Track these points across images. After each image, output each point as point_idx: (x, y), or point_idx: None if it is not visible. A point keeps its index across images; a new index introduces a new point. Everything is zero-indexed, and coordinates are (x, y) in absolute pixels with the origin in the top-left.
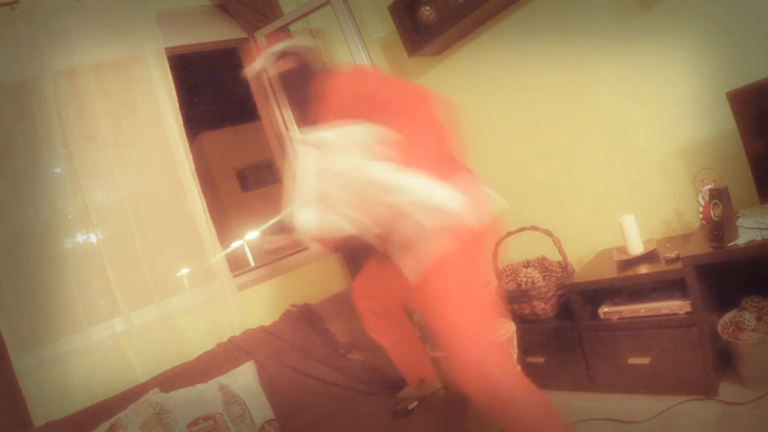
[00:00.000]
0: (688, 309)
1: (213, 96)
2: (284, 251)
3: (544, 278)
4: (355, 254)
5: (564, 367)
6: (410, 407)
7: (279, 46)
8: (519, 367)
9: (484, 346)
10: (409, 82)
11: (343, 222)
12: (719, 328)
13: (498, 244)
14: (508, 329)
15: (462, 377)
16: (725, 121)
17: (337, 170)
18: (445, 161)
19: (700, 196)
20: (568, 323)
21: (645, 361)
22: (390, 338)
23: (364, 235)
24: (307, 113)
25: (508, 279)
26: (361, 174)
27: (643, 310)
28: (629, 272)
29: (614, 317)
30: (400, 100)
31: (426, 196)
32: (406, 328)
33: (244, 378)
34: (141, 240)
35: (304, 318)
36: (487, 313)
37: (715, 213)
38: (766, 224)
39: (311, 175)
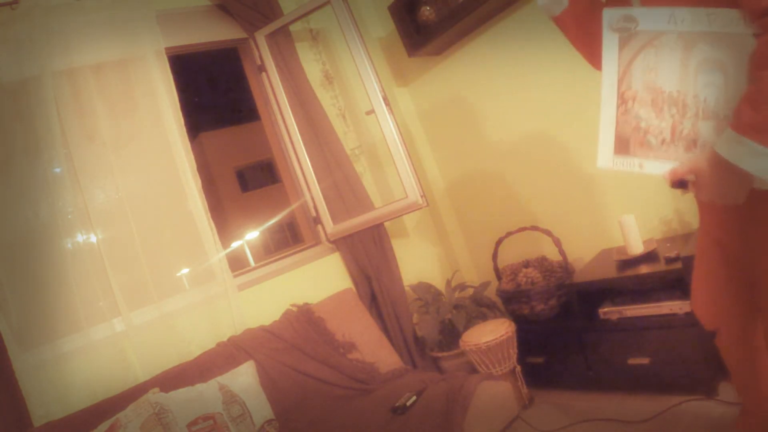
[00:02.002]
0: (688, 309)
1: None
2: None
3: (544, 278)
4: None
5: (564, 367)
6: (408, 403)
7: None
8: None
9: None
10: None
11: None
12: None
13: (498, 244)
14: (507, 329)
15: None
16: None
17: (657, 79)
18: None
19: None
20: (568, 323)
21: (645, 361)
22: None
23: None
24: None
25: (508, 279)
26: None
27: (643, 310)
28: (629, 272)
29: (614, 317)
30: None
31: None
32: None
33: (243, 378)
34: (141, 240)
35: (304, 318)
36: None
37: None
38: None
39: (615, 82)
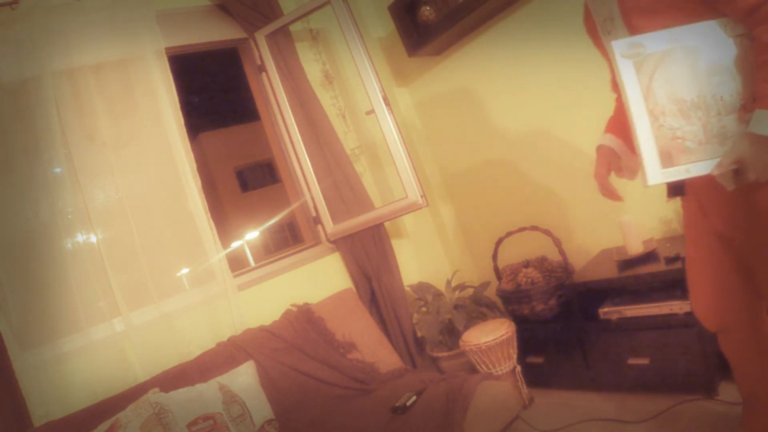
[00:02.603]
0: (688, 309)
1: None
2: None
3: (544, 278)
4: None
5: (564, 367)
6: (408, 403)
7: None
8: None
9: None
10: None
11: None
12: None
13: (498, 244)
14: (507, 329)
15: None
16: None
17: (677, 90)
18: None
19: None
20: (568, 323)
21: (645, 361)
22: (741, 353)
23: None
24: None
25: (508, 279)
26: (711, 90)
27: (643, 310)
28: (629, 272)
29: (614, 317)
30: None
31: None
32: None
33: (243, 378)
34: (141, 240)
35: (304, 318)
36: None
37: None
38: None
39: (641, 103)
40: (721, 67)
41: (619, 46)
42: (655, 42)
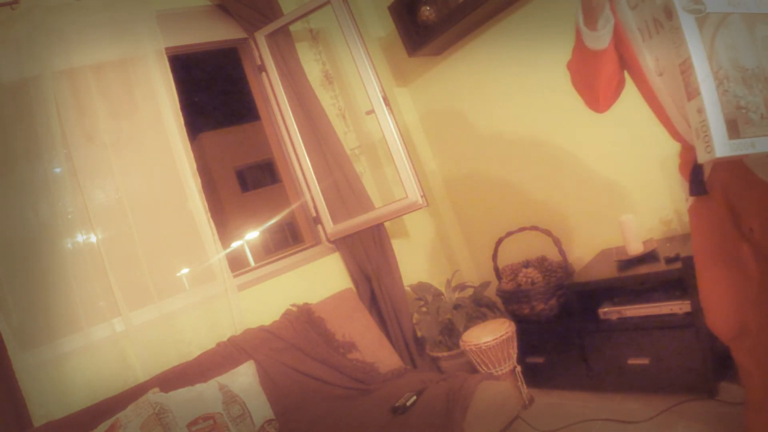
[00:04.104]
0: (688, 309)
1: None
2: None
3: (544, 278)
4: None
5: (564, 367)
6: (408, 403)
7: None
8: None
9: None
10: None
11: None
12: None
13: (498, 244)
14: (507, 329)
15: None
16: None
17: (739, 56)
18: None
19: None
20: (568, 323)
21: (645, 361)
22: (759, 357)
23: None
24: None
25: (508, 279)
26: None
27: (643, 310)
28: (629, 272)
29: (614, 317)
30: None
31: None
32: None
33: (243, 378)
34: (141, 240)
35: (304, 318)
36: None
37: None
38: None
39: (707, 63)
40: None
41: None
42: (715, 2)
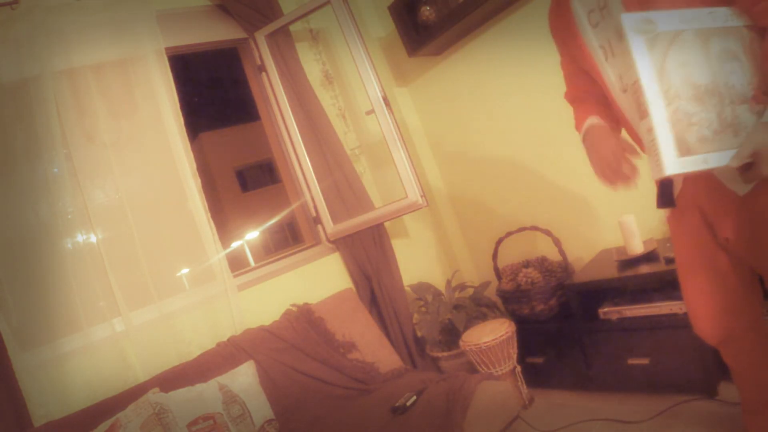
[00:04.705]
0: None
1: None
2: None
3: (544, 278)
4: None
5: (564, 367)
6: (408, 403)
7: None
8: None
9: None
10: None
11: (709, 155)
12: None
13: (498, 244)
14: (507, 329)
15: None
16: None
17: (692, 73)
18: None
19: None
20: (568, 323)
21: (645, 361)
22: (748, 360)
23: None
24: None
25: (508, 279)
26: (728, 78)
27: (643, 310)
28: (629, 272)
29: (614, 317)
30: None
31: None
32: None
33: (243, 378)
34: (141, 240)
35: (304, 318)
36: None
37: None
38: None
39: (656, 83)
40: (731, 55)
41: (630, 21)
42: (667, 21)
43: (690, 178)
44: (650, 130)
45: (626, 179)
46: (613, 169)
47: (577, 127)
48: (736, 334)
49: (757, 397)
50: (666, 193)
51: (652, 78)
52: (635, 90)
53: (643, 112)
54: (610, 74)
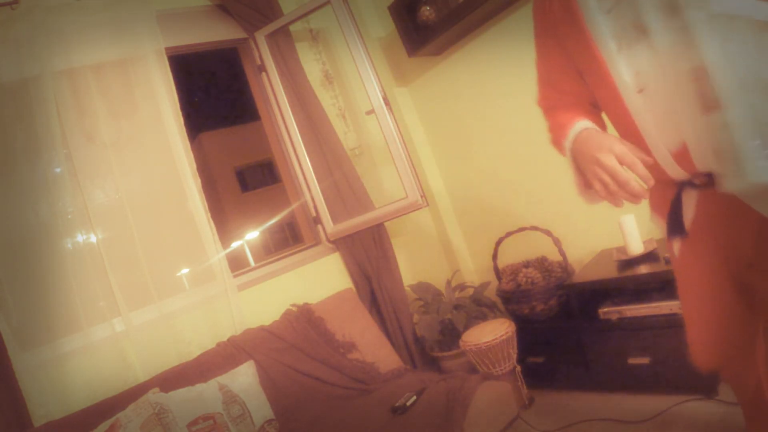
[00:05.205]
0: None
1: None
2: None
3: (544, 278)
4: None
5: (564, 367)
6: (408, 403)
7: None
8: None
9: None
10: None
11: None
12: None
13: (498, 244)
14: (507, 329)
15: None
16: None
17: (757, 66)
18: None
19: None
20: (568, 323)
21: (645, 361)
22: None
23: None
24: None
25: (508, 279)
26: None
27: (643, 310)
28: (629, 272)
29: (614, 317)
30: None
31: None
32: None
33: (243, 378)
34: (141, 240)
35: (304, 318)
36: None
37: None
38: None
39: (731, 71)
40: None
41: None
42: (721, 3)
43: (704, 203)
44: (727, 125)
45: (636, 195)
46: (621, 181)
47: (558, 138)
48: (730, 356)
49: (755, 401)
50: (677, 220)
51: (726, 62)
52: (699, 77)
53: (709, 105)
54: (622, 70)
